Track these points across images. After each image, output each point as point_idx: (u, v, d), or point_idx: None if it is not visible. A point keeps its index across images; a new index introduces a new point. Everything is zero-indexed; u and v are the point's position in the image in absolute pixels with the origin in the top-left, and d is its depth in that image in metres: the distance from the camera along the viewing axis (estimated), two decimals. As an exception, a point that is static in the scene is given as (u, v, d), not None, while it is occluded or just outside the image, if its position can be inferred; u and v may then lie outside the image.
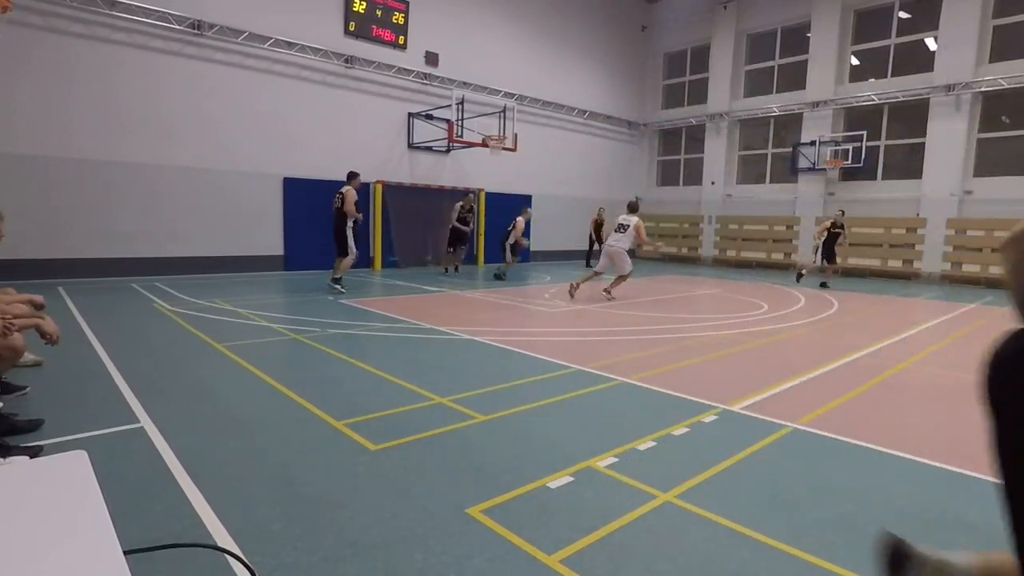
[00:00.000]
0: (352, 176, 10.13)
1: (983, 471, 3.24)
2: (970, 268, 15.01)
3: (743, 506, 2.77)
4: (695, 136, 21.23)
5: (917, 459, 3.40)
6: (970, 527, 2.62)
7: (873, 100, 16.63)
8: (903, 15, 16.38)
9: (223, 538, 2.38)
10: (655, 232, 22.03)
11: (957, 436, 3.84)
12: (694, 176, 21.25)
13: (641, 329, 7.34)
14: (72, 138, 10.56)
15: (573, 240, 20.21)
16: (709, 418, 4.01)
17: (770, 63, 19.18)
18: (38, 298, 4.28)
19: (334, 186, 13.83)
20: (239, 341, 6.01)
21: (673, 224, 21.50)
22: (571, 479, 2.99)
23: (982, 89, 14.77)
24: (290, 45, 12.82)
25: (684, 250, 21.05)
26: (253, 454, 3.24)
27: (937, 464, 3.33)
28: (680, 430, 3.76)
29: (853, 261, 17.00)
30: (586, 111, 19.70)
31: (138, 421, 3.67)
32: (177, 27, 11.42)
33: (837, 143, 17.21)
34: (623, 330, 7.23)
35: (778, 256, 18.67)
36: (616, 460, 3.24)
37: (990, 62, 14.82)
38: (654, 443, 3.52)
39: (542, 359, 5.57)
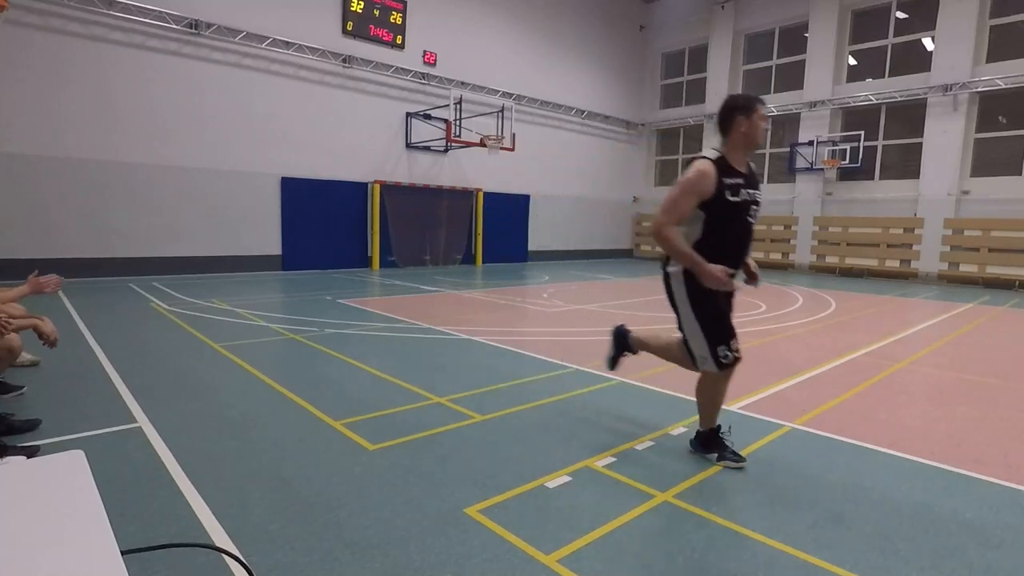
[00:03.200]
0: None
1: (980, 470, 3.25)
2: (967, 268, 15.05)
3: (741, 506, 2.78)
4: (693, 136, 21.25)
5: (914, 458, 3.41)
6: (968, 525, 2.63)
7: (871, 100, 16.66)
8: (900, 15, 16.41)
9: (220, 538, 2.37)
10: (651, 231, 22.08)
11: (954, 435, 3.85)
12: (692, 176, 21.25)
13: (639, 329, 7.33)
14: (69, 138, 10.54)
15: (573, 240, 20.23)
16: (707, 418, 4.00)
17: (768, 63, 19.21)
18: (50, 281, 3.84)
19: (332, 186, 13.90)
20: (236, 341, 6.00)
21: (671, 224, 21.49)
22: (569, 479, 2.99)
23: (979, 89, 14.81)
24: (287, 45, 12.81)
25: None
26: (250, 454, 3.23)
27: (934, 463, 3.34)
28: (678, 430, 3.76)
29: (851, 261, 17.04)
30: (584, 111, 19.71)
31: (135, 421, 3.66)
32: (174, 27, 11.40)
33: (834, 143, 17.25)
34: (621, 330, 7.23)
35: (776, 256, 18.70)
36: (614, 460, 3.24)
37: (987, 62, 14.86)
38: (652, 443, 3.52)
39: (540, 359, 5.57)
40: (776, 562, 2.31)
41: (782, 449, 3.51)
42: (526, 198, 18.35)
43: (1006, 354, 6.51)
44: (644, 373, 5.14)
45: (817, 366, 5.59)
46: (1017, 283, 14.28)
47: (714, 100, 19.94)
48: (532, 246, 18.77)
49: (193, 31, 11.60)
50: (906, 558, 2.36)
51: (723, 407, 4.21)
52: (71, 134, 10.55)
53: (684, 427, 3.80)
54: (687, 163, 3.10)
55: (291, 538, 2.39)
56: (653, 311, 8.93)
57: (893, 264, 16.29)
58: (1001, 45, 14.76)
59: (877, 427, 3.94)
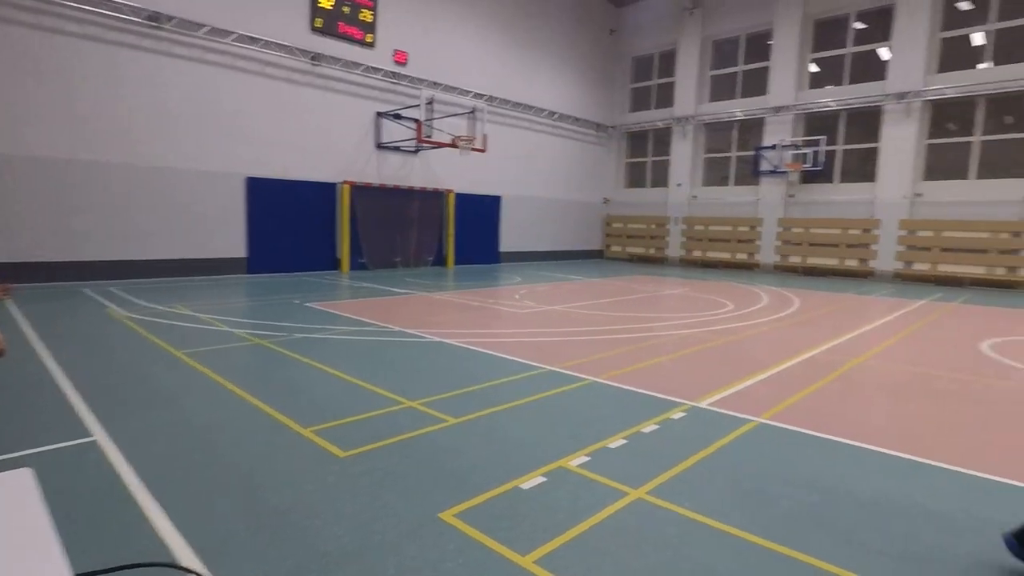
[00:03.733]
0: None
1: (939, 459, 3.36)
2: (920, 267, 15.64)
3: (712, 500, 2.81)
4: (662, 139, 21.57)
5: (877, 449, 3.51)
6: (930, 513, 2.71)
7: (831, 106, 17.17)
8: (859, 25, 16.95)
9: (186, 555, 2.29)
10: (624, 233, 22.35)
11: (912, 427, 3.98)
12: (661, 178, 21.59)
13: (610, 328, 7.41)
14: (23, 134, 10.08)
15: (544, 241, 20.31)
16: (678, 415, 4.06)
17: (734, 69, 19.61)
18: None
19: (300, 186, 13.67)
20: (200, 348, 5.83)
21: (640, 225, 21.79)
22: (544, 479, 2.98)
23: (931, 97, 15.42)
24: (253, 40, 12.52)
25: (651, 250, 21.36)
26: (216, 465, 3.13)
27: (896, 454, 3.45)
28: (650, 427, 3.80)
29: (813, 260, 17.53)
30: (555, 113, 19.80)
31: (90, 435, 3.51)
32: (134, 19, 11.02)
33: (797, 147, 17.71)
34: (593, 330, 7.28)
35: (742, 256, 19.10)
36: (588, 459, 3.25)
37: (939, 72, 15.48)
38: (625, 441, 3.54)
39: (513, 360, 5.56)
40: (751, 554, 2.35)
41: (751, 443, 3.57)
42: (497, 199, 18.35)
43: (957, 348, 6.77)
44: (615, 372, 5.18)
45: (782, 362, 5.72)
46: (967, 281, 14.90)
47: (682, 104, 20.27)
48: (503, 247, 18.78)
49: (154, 24, 11.24)
50: (874, 546, 2.42)
51: (691, 403, 4.28)
52: (25, 131, 10.09)
53: (656, 424, 3.83)
54: None
55: (261, 551, 2.32)
56: (625, 311, 9.02)
57: (852, 263, 16.82)
58: (951, 56, 15.41)
59: (840, 420, 4.05)
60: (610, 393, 4.61)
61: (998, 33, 14.79)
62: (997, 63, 14.76)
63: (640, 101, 22.20)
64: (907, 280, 15.77)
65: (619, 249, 22.47)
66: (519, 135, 18.84)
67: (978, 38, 15.14)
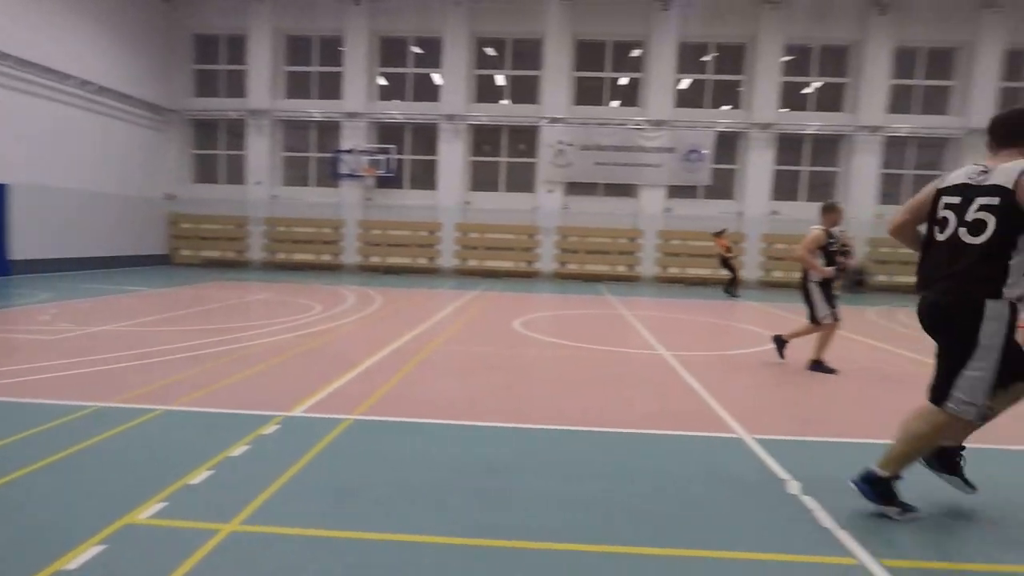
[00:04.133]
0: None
1: (498, 420, 4.16)
2: (473, 263, 19.18)
3: (314, 509, 2.77)
4: (236, 131, 20.01)
5: (450, 422, 4.10)
6: (483, 462, 3.32)
7: (398, 119, 19.20)
8: (417, 50, 19.41)
9: None
10: (195, 234, 19.89)
11: (476, 397, 4.82)
12: (237, 174, 20.05)
13: (186, 346, 6.48)
14: None
15: (86, 245, 16.18)
16: (271, 429, 3.84)
17: (310, 68, 19.71)
18: None
19: None
20: None
21: (216, 225, 19.79)
22: (102, 548, 2.37)
23: (472, 122, 18.98)
24: None
25: (230, 254, 19.70)
26: None
27: (474, 423, 4.11)
28: (239, 449, 3.47)
29: (392, 260, 19.36)
30: (92, 83, 15.96)
31: None
32: None
33: (372, 153, 19.14)
34: (164, 349, 6.23)
35: (327, 257, 19.55)
36: (164, 505, 2.75)
37: (476, 101, 19.16)
38: (211, 471, 3.14)
39: (42, 404, 4.24)
40: (349, 550, 2.39)
41: (346, 442, 3.68)
42: (2, 188, 13.67)
43: (500, 328, 8.57)
44: (195, 395, 4.56)
45: (371, 356, 6.10)
46: (502, 273, 19.04)
47: (257, 96, 19.23)
48: (19, 254, 14.10)
49: None
50: (455, 505, 2.81)
51: (284, 414, 4.13)
52: None
53: (247, 445, 3.53)
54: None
55: None
56: (203, 323, 8.03)
57: (423, 261, 19.32)
58: (485, 90, 19.31)
59: (422, 403, 4.58)
60: (190, 420, 4.03)
61: (513, 79, 19.28)
62: (514, 101, 19.24)
63: (207, 86, 20.04)
64: (464, 274, 19.06)
65: (191, 253, 19.88)
66: (38, 106, 14.47)
67: (500, 79, 19.40)
